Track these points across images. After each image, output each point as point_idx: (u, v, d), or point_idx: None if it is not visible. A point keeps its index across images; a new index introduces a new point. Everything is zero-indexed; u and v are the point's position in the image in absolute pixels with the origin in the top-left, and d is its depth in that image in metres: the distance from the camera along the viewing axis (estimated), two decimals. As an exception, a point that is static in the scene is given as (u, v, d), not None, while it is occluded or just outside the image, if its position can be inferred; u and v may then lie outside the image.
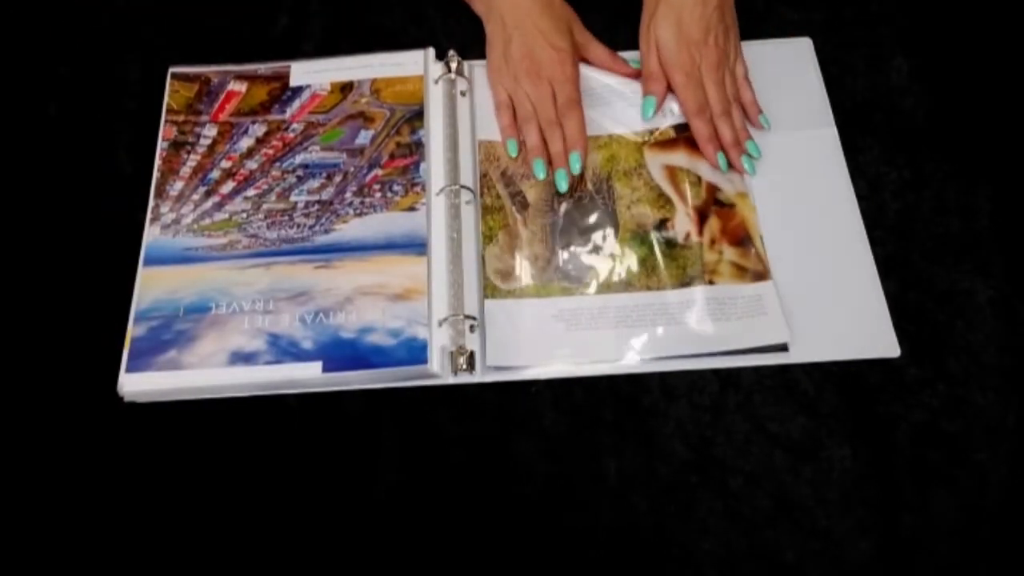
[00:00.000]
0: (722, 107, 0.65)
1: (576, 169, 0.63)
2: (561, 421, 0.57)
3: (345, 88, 0.68)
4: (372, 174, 0.64)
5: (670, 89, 0.66)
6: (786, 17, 0.72)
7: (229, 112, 0.68)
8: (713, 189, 0.64)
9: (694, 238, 0.62)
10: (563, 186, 0.63)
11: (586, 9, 0.69)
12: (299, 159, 0.65)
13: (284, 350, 0.57)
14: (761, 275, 0.60)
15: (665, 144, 0.66)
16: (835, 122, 0.67)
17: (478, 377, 0.58)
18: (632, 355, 0.58)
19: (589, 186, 0.64)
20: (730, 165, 0.64)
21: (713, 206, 0.63)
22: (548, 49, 0.65)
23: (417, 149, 0.65)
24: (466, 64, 0.69)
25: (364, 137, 0.66)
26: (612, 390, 0.58)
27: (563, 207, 0.64)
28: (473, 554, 0.53)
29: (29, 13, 0.74)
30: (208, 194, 0.64)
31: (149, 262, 0.61)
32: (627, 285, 0.60)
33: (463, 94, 0.68)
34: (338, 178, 0.64)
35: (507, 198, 0.63)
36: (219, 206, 0.64)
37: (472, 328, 0.59)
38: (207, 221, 0.63)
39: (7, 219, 0.65)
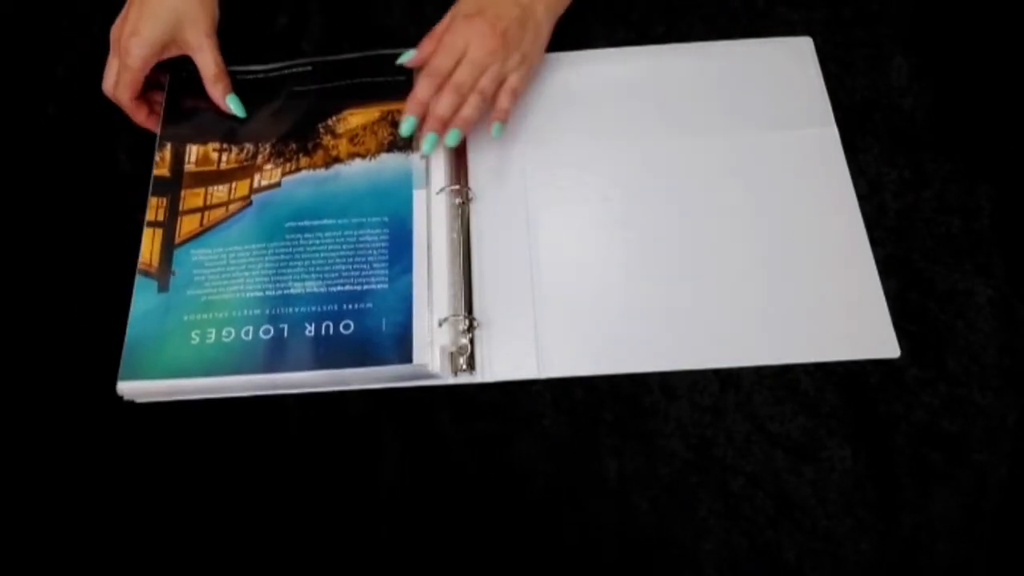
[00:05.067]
0: (465, 85, 0.61)
1: None
2: (561, 421, 0.57)
3: None
4: None
5: None
6: (786, 16, 0.71)
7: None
8: None
9: None
10: None
11: (583, 9, 0.68)
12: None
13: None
14: None
15: None
16: (835, 121, 0.67)
17: (478, 377, 0.58)
18: None
19: None
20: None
21: None
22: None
23: None
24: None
25: None
26: (612, 390, 0.58)
27: None
28: (474, 554, 0.53)
29: (28, 13, 0.74)
30: None
31: None
32: None
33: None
34: None
35: None
36: None
37: (472, 328, 0.59)
38: None
39: (6, 219, 0.65)
